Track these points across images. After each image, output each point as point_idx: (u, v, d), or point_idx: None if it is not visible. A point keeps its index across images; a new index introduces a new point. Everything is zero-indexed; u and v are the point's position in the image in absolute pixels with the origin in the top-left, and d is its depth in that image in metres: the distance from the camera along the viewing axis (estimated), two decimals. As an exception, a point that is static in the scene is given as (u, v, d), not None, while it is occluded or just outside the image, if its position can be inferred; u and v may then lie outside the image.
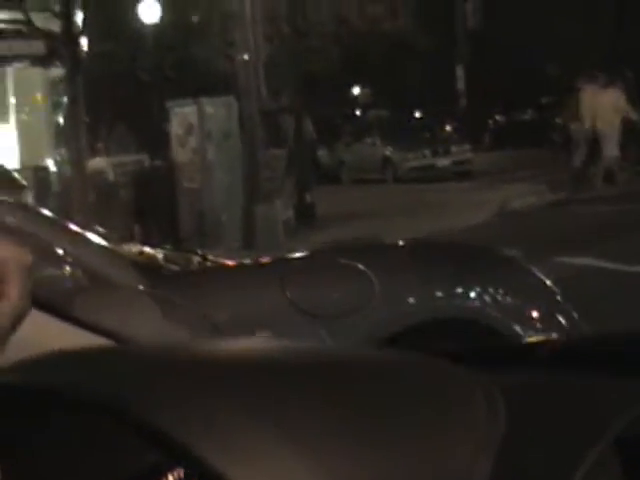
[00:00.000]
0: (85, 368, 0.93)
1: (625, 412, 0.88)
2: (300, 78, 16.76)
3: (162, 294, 2.53)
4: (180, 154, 12.89)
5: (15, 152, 17.79)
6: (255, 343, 1.27)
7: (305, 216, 13.58)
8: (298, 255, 3.69)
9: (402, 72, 21.73)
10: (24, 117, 18.40)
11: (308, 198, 13.98)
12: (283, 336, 2.68)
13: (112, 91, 17.66)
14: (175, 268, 3.22)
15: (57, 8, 14.55)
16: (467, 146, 18.64)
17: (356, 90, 25.74)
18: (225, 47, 16.40)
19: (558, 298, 3.02)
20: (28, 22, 14.34)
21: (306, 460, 0.74)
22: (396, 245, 3.90)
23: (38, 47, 16.69)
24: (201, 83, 16.37)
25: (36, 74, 18.38)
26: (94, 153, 16.85)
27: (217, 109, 12.73)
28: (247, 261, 3.83)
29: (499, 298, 2.92)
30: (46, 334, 1.01)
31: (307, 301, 2.81)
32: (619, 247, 8.33)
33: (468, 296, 2.99)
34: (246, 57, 14.69)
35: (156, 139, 15.76)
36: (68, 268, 2.75)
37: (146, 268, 2.97)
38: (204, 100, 12.71)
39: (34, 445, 0.88)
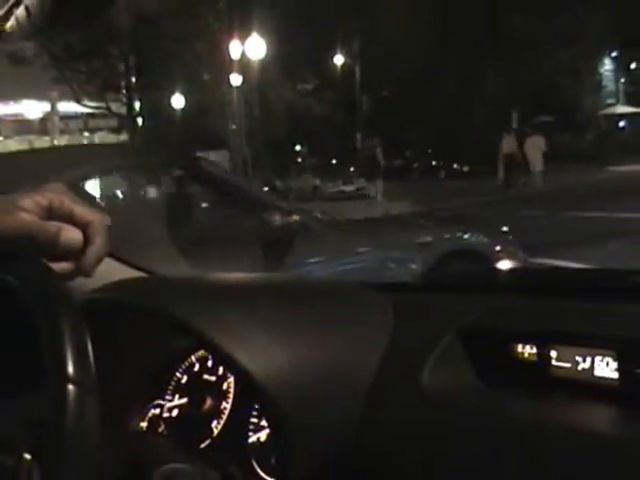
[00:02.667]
0: (151, 287, 1.31)
1: (467, 313, 1.20)
2: (264, 141, 26.05)
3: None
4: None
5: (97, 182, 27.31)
6: (266, 277, 1.65)
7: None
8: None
9: (323, 139, 32.62)
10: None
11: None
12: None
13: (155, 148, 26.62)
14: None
15: (124, 100, 22.93)
16: (362, 179, 25.80)
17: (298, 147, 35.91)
18: (222, 121, 25.10)
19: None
20: (108, 109, 23.32)
21: (273, 339, 1.12)
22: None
23: (114, 122, 25.48)
24: (211, 142, 24.38)
25: (112, 138, 26.24)
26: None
27: (217, 157, 20.67)
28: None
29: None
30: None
31: None
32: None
33: None
34: (234, 127, 24.67)
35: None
36: None
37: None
38: (210, 152, 20.75)
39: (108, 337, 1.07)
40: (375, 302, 1.29)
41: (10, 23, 0.58)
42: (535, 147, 22.40)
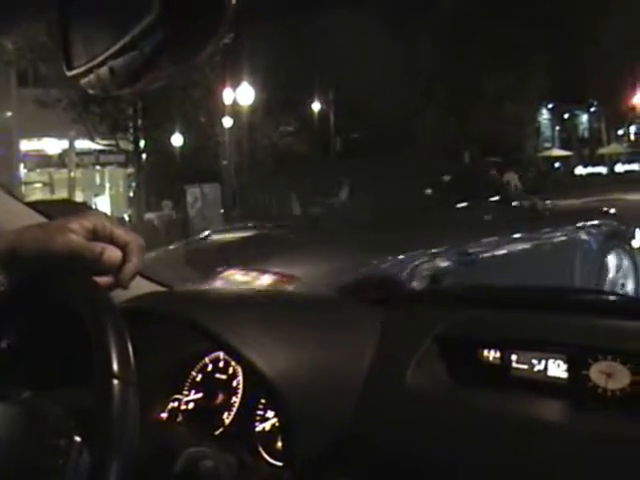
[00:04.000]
0: (175, 298, 1.35)
1: (442, 323, 1.20)
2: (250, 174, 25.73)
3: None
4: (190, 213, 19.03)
5: (108, 208, 24.54)
6: (278, 291, 1.67)
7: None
8: None
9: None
10: (112, 193, 26.64)
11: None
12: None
13: (157, 180, 24.21)
14: None
15: (131, 138, 22.06)
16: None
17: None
18: (215, 158, 25.11)
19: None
20: (117, 146, 21.56)
21: (279, 343, 1.13)
22: None
23: (122, 158, 24.00)
24: (205, 175, 22.83)
25: (120, 171, 25.96)
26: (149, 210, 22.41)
27: (210, 189, 19.69)
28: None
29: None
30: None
31: None
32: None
33: None
34: (225, 162, 24.67)
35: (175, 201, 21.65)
36: None
37: None
38: (204, 185, 19.79)
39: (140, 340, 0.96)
40: (365, 313, 1.31)
41: (88, 79, 0.58)
42: (511, 181, 22.80)
